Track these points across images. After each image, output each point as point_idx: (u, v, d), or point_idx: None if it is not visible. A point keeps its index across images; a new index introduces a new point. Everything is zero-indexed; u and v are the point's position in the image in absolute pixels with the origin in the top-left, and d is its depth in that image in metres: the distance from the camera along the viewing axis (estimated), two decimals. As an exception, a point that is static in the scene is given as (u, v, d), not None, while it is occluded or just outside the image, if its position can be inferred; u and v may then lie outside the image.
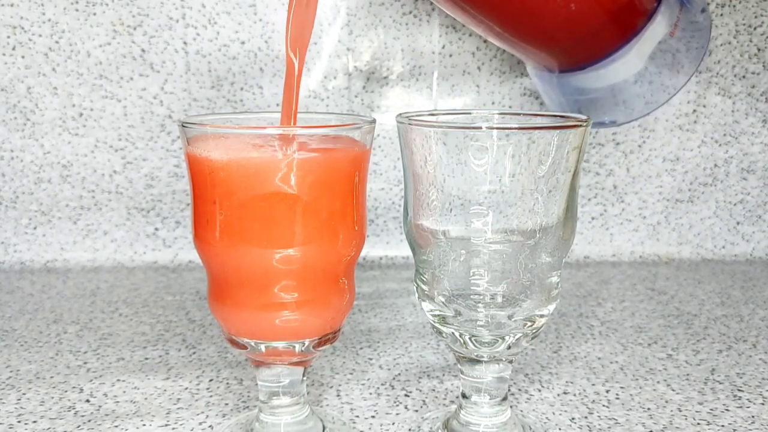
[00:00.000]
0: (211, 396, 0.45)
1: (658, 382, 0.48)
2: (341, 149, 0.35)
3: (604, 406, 0.44)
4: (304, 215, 0.34)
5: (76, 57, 0.71)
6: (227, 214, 0.34)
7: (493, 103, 0.74)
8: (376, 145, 0.74)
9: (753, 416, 0.43)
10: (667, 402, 0.45)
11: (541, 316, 0.36)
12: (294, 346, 0.37)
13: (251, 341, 0.37)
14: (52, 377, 0.48)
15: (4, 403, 0.44)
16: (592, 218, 0.78)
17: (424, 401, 0.45)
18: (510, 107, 0.74)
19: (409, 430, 0.41)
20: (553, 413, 0.43)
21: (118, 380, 0.48)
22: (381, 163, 0.75)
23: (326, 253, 0.36)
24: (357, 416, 0.43)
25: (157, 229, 0.76)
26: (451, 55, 0.73)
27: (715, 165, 0.77)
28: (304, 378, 0.39)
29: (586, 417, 0.43)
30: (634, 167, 0.77)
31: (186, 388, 0.46)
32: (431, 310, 0.37)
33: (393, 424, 0.42)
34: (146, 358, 0.51)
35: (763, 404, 0.45)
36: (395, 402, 0.45)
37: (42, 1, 0.70)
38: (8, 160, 0.73)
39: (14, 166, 0.73)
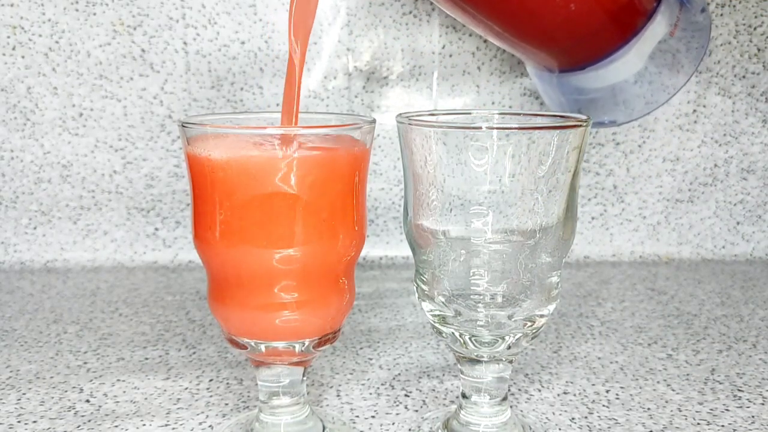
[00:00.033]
0: (211, 396, 0.45)
1: (658, 382, 0.48)
2: (341, 149, 0.35)
3: (604, 406, 0.44)
4: (304, 215, 0.34)
5: (76, 57, 0.71)
6: (227, 214, 0.34)
7: (493, 103, 0.74)
8: (376, 145, 0.74)
9: (753, 416, 0.43)
10: (667, 402, 0.45)
11: (541, 316, 0.36)
12: (294, 346, 0.37)
13: (251, 341, 0.37)
14: (52, 377, 0.48)
15: (4, 403, 0.44)
16: (592, 218, 0.78)
17: (424, 401, 0.45)
18: (510, 107, 0.74)
19: (409, 430, 0.41)
20: (553, 413, 0.43)
21: (118, 380, 0.48)
22: (381, 163, 0.75)
23: (326, 253, 0.36)
24: (357, 416, 0.43)
25: (157, 229, 0.76)
26: (451, 55, 0.73)
27: (715, 165, 0.77)
28: (304, 378, 0.39)
29: (586, 417, 0.43)
30: (634, 167, 0.77)
31: (186, 388, 0.46)
32: (431, 310, 0.37)
33: (393, 424, 0.42)
34: (146, 358, 0.51)
35: (763, 404, 0.45)
36: (395, 402, 0.45)
37: (42, 1, 0.70)
38: (8, 160, 0.73)
39: (14, 166, 0.73)
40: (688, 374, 0.49)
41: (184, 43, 0.71)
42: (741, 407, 0.44)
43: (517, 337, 0.36)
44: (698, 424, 0.42)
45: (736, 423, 0.42)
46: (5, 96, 0.72)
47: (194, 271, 0.73)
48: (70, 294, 0.66)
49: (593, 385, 0.47)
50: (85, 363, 0.51)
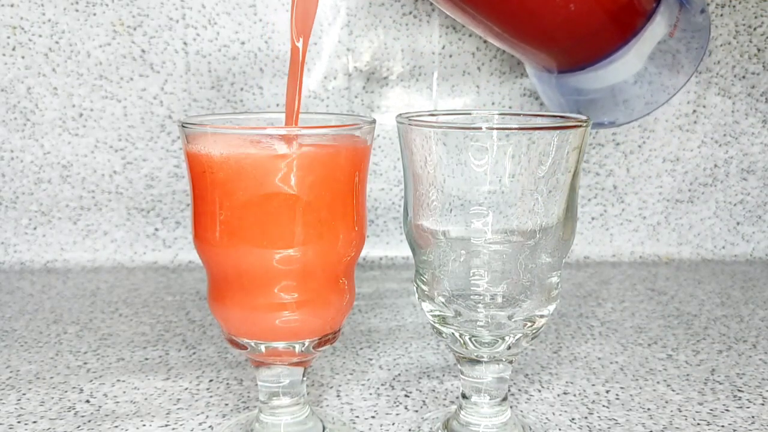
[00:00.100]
0: (211, 396, 0.45)
1: (658, 382, 0.48)
2: (341, 149, 0.35)
3: (604, 406, 0.44)
4: (304, 215, 0.34)
5: (76, 57, 0.71)
6: (227, 214, 0.34)
7: (493, 103, 0.74)
8: (376, 145, 0.74)
9: (753, 416, 0.43)
10: (667, 402, 0.45)
11: (541, 316, 0.36)
12: (294, 347, 0.37)
13: (251, 341, 0.37)
14: (52, 377, 0.48)
15: (4, 403, 0.44)
16: (592, 218, 0.78)
17: (424, 401, 0.45)
18: (510, 107, 0.74)
19: (409, 430, 0.41)
20: (553, 413, 0.43)
21: (118, 380, 0.48)
22: (381, 163, 0.75)
23: (326, 253, 0.36)
24: (357, 416, 0.43)
25: (157, 229, 0.76)
26: (451, 56, 0.73)
27: (715, 165, 0.77)
28: (304, 378, 0.39)
29: (586, 417, 0.43)
30: (634, 167, 0.77)
31: (186, 389, 0.46)
32: (431, 311, 0.37)
33: (393, 424, 0.42)
34: (146, 359, 0.51)
35: (763, 404, 0.45)
36: (395, 402, 0.45)
37: (42, 2, 0.70)
38: (8, 160, 0.73)
39: (14, 166, 0.73)
40: (688, 374, 0.49)
41: (184, 43, 0.71)
42: (741, 407, 0.44)
43: (517, 337, 0.36)
44: (698, 424, 0.42)
45: (736, 423, 0.42)
46: (5, 96, 0.72)
47: (194, 272, 0.73)
48: (70, 294, 0.66)
49: (593, 385, 0.47)
50: (85, 363, 0.51)
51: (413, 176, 0.36)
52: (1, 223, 0.74)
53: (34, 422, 0.42)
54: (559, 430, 0.41)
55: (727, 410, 0.44)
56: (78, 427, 0.42)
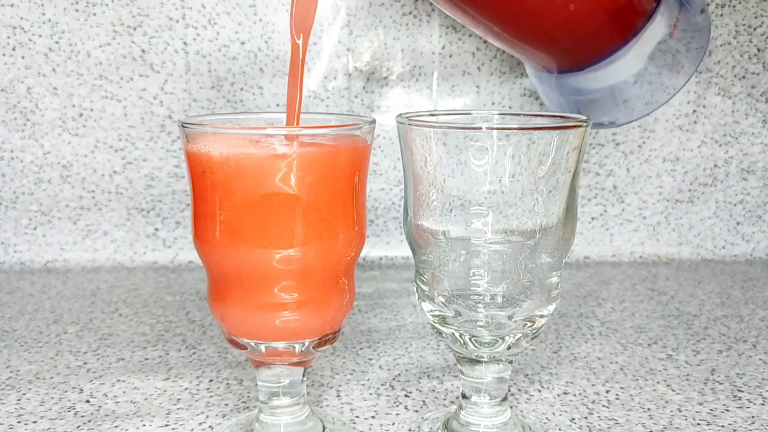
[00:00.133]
0: (211, 396, 0.45)
1: (658, 382, 0.48)
2: (341, 149, 0.35)
3: (604, 406, 0.44)
4: (304, 215, 0.34)
5: (76, 57, 0.71)
6: (227, 214, 0.34)
7: (493, 103, 0.74)
8: (376, 145, 0.74)
9: (753, 416, 0.43)
10: (667, 402, 0.45)
11: (541, 316, 0.36)
12: (294, 347, 0.37)
13: (251, 341, 0.37)
14: (52, 377, 0.48)
15: (4, 403, 0.44)
16: (592, 218, 0.78)
17: (424, 401, 0.45)
18: (510, 107, 0.74)
19: (409, 430, 0.41)
20: (553, 413, 0.43)
21: (118, 380, 0.48)
22: (381, 163, 0.75)
23: (326, 253, 0.36)
24: (357, 416, 0.43)
25: (157, 229, 0.76)
26: (451, 56, 0.73)
27: (715, 165, 0.77)
28: (304, 378, 0.39)
29: (586, 417, 0.43)
30: (634, 167, 0.77)
31: (186, 389, 0.46)
32: (431, 311, 0.37)
33: (393, 424, 0.42)
34: (146, 359, 0.51)
35: (763, 404, 0.45)
36: (395, 402, 0.45)
37: (42, 2, 0.70)
38: (8, 160, 0.73)
39: (14, 166, 0.73)
40: (688, 374, 0.49)
41: (184, 43, 0.71)
42: (741, 407, 0.44)
43: (517, 337, 0.36)
44: (698, 424, 0.42)
45: (736, 423, 0.42)
46: (5, 96, 0.72)
47: (194, 271, 0.73)
48: (70, 294, 0.66)
49: (593, 385, 0.47)
50: (85, 363, 0.51)
51: (413, 176, 0.36)
52: (1, 223, 0.74)
53: (34, 422, 0.42)
54: (559, 430, 0.41)
55: (727, 410, 0.44)
56: (78, 427, 0.42)
